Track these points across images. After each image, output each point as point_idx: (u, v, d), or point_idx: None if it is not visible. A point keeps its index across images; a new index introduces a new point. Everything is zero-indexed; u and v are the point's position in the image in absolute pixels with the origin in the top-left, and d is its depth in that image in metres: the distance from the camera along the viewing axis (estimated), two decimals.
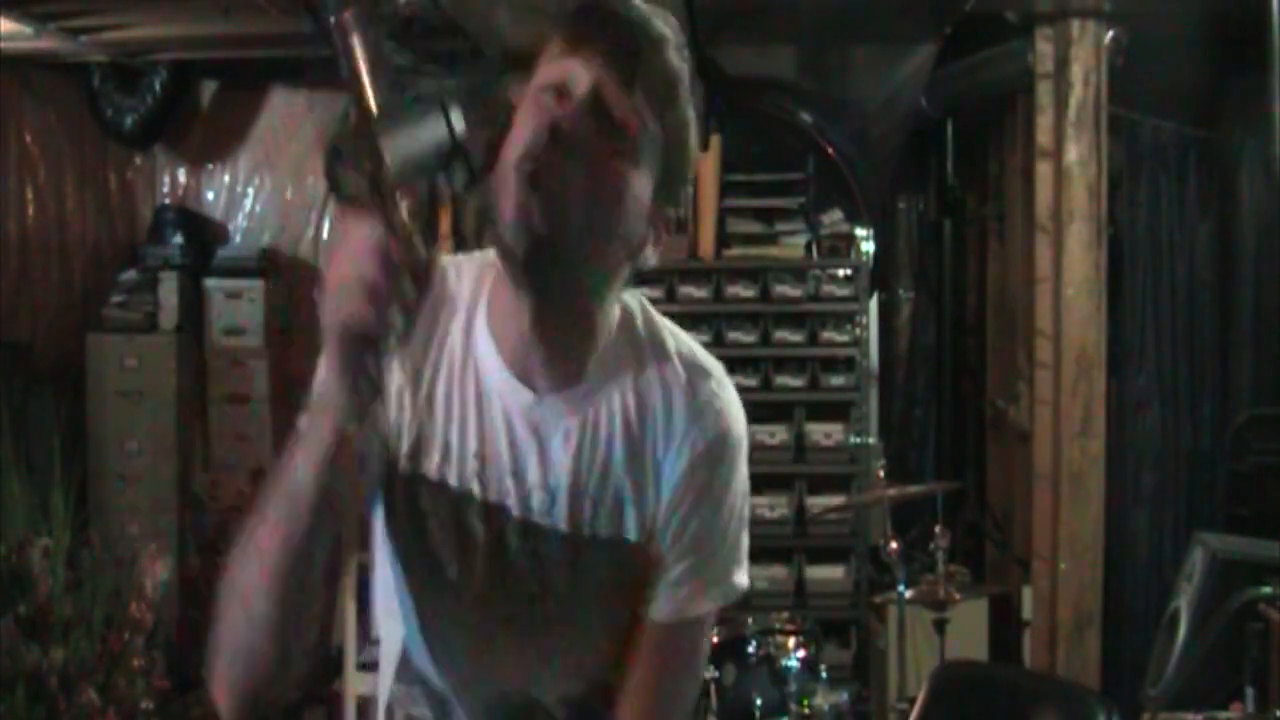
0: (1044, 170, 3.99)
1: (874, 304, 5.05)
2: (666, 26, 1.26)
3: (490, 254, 1.27)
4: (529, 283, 1.20)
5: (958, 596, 3.80)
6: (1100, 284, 3.95)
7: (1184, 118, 4.33)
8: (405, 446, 1.29)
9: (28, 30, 4.66)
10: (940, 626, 3.80)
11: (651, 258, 1.27)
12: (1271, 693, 2.34)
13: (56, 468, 3.44)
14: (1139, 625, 4.05)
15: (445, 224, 4.69)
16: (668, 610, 1.31)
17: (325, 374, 1.09)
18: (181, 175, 6.04)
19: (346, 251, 1.06)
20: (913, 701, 3.13)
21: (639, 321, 1.33)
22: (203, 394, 5.63)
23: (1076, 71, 3.90)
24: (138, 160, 6.03)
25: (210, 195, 6.03)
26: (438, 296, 1.28)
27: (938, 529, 3.79)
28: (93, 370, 5.46)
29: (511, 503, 1.28)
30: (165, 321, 5.52)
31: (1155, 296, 4.33)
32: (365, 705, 3.88)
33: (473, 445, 1.28)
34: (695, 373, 1.31)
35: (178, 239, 5.73)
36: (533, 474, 1.27)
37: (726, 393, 1.32)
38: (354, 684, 3.78)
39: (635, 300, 1.35)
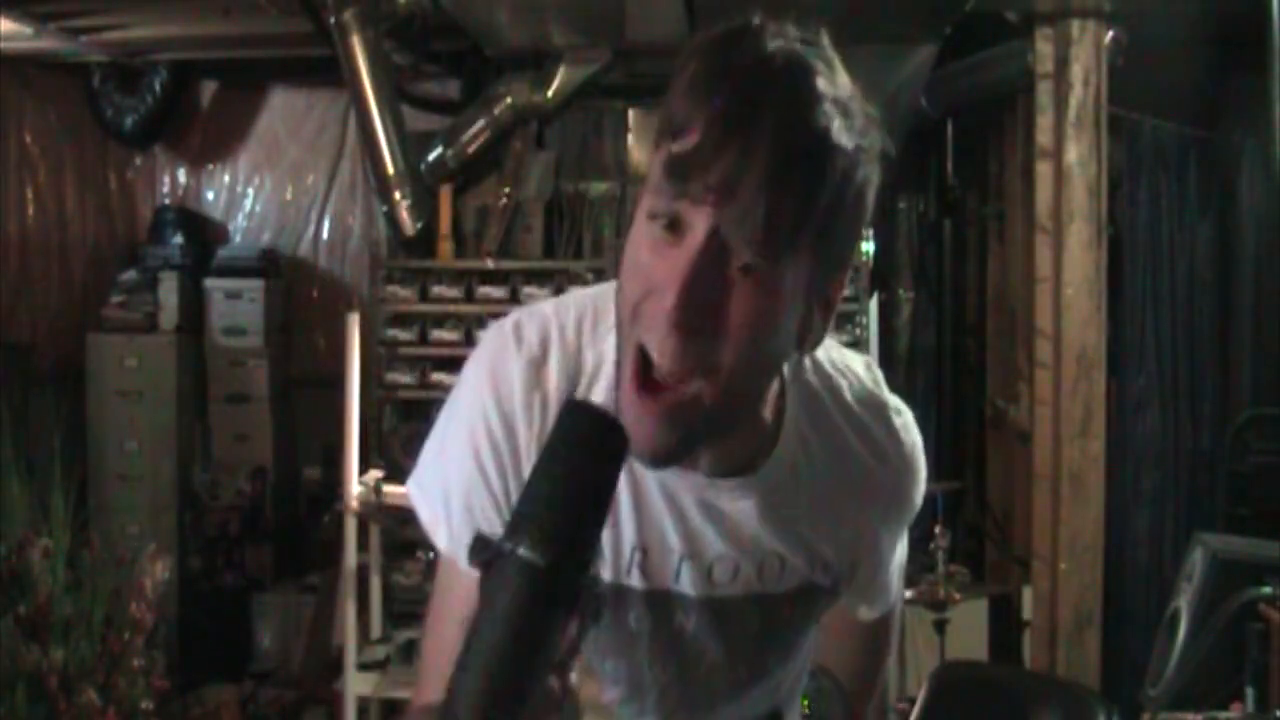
0: (1044, 170, 3.99)
1: (874, 304, 5.04)
2: (836, 108, 1.01)
3: (595, 308, 1.18)
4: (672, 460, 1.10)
5: (958, 596, 3.80)
6: (1100, 284, 3.95)
7: (1184, 118, 4.32)
8: None
9: (28, 30, 4.67)
10: (940, 626, 3.80)
11: (820, 333, 1.10)
12: (1271, 693, 2.34)
13: (56, 468, 3.44)
14: (1139, 625, 4.05)
15: (445, 224, 4.69)
16: (877, 608, 1.37)
17: None
18: (181, 175, 6.04)
19: None
20: (913, 701, 3.13)
21: (806, 382, 1.21)
22: (203, 394, 5.63)
23: (1076, 71, 3.90)
24: (138, 160, 6.03)
25: (210, 195, 6.03)
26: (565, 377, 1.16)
27: (938, 529, 3.79)
28: (93, 370, 5.46)
29: (684, 585, 1.19)
30: (165, 321, 5.52)
31: (1155, 296, 4.33)
32: (365, 705, 3.88)
33: (629, 537, 1.17)
34: (877, 416, 1.24)
35: (178, 239, 5.74)
36: (710, 550, 1.18)
37: (910, 430, 1.27)
38: (354, 684, 3.78)
39: (828, 372, 1.24)
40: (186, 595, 5.31)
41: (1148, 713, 2.41)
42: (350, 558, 3.83)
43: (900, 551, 1.36)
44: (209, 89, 5.96)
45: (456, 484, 1.15)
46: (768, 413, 1.16)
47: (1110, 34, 3.92)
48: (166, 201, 6.00)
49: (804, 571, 1.22)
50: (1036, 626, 4.05)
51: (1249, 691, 2.34)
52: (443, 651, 1.09)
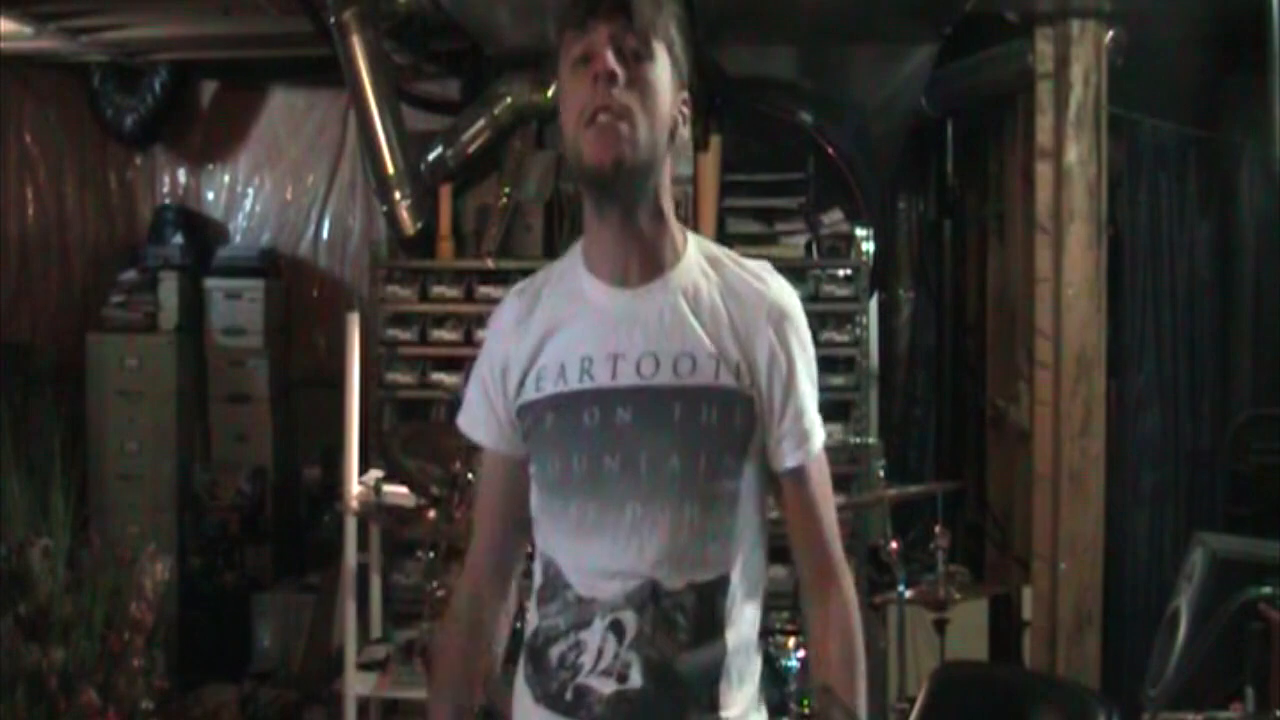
0: (1044, 170, 3.99)
1: (874, 304, 5.04)
2: None
3: (551, 266, 1.70)
4: (615, 195, 1.55)
5: (958, 596, 3.80)
6: (1100, 284, 3.95)
7: (1184, 118, 4.32)
8: (525, 387, 1.63)
9: (28, 30, 4.67)
10: (940, 626, 3.80)
11: (684, 134, 1.60)
12: (1271, 693, 2.34)
13: (56, 468, 3.44)
14: (1139, 625, 4.05)
15: (445, 224, 4.69)
16: (797, 456, 1.66)
17: None
18: (181, 175, 6.04)
19: None
20: (913, 701, 3.13)
21: (705, 243, 1.69)
22: (203, 394, 5.63)
23: (1076, 71, 3.91)
24: (138, 160, 6.03)
25: (210, 195, 6.03)
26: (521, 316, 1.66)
27: (938, 529, 3.79)
28: (93, 370, 5.46)
29: (620, 377, 1.57)
30: (165, 321, 5.52)
31: (1155, 296, 4.32)
32: (365, 705, 3.88)
33: (580, 351, 1.59)
34: (755, 269, 1.67)
35: (178, 239, 5.74)
36: (636, 349, 1.57)
37: (779, 279, 1.68)
38: (354, 684, 3.78)
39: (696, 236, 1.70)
40: (186, 595, 5.31)
41: (1148, 713, 2.41)
42: (350, 558, 3.83)
43: (808, 393, 1.69)
44: (209, 89, 5.96)
45: (477, 395, 1.69)
46: (677, 239, 1.63)
47: (1110, 34, 3.92)
48: (166, 201, 6.00)
49: (711, 370, 1.58)
50: (1036, 626, 4.05)
51: (1249, 691, 2.34)
52: (483, 512, 1.75)
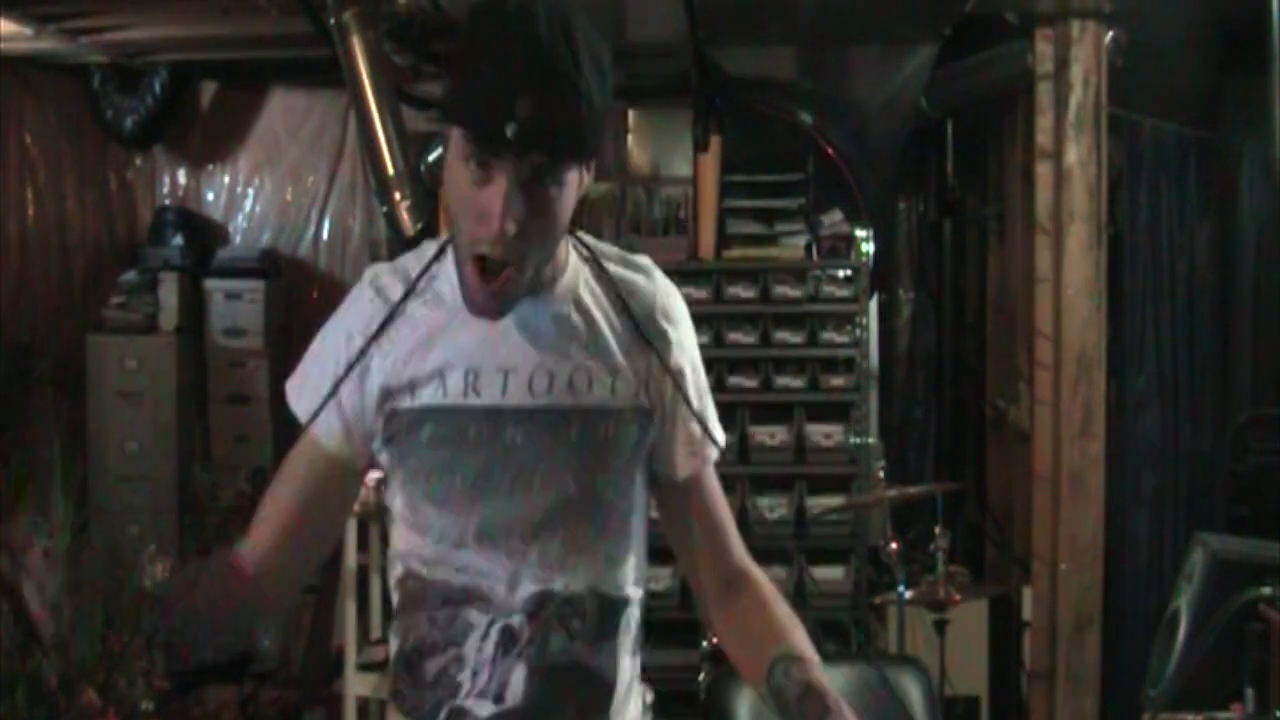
0: (1044, 171, 3.99)
1: (874, 305, 5.04)
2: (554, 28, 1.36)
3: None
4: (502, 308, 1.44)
5: (958, 597, 3.79)
6: (1100, 284, 3.95)
7: (1184, 118, 4.32)
8: (406, 388, 1.48)
9: (28, 31, 4.67)
10: (940, 627, 3.80)
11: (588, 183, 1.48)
12: (1271, 693, 2.34)
13: (56, 468, 3.44)
14: (1139, 625, 4.05)
15: (445, 225, 4.69)
16: (691, 464, 1.58)
17: None
18: (181, 176, 6.04)
19: None
20: None
21: (583, 242, 1.59)
22: (203, 394, 5.63)
23: (1076, 72, 3.91)
24: (138, 161, 6.03)
25: (210, 196, 6.03)
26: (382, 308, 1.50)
27: (938, 529, 3.79)
28: (93, 371, 5.46)
29: (511, 394, 1.47)
30: (165, 322, 5.52)
31: (1155, 296, 4.32)
32: (365, 705, 3.88)
33: (463, 362, 1.47)
34: (637, 267, 1.59)
35: (178, 240, 5.74)
36: (526, 364, 1.47)
37: (662, 276, 1.61)
38: (354, 684, 3.78)
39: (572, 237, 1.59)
40: None
41: (1148, 713, 2.41)
42: (350, 558, 3.83)
43: (703, 394, 1.60)
44: (209, 90, 5.96)
45: (319, 378, 1.51)
46: (560, 252, 1.52)
47: (1110, 34, 3.92)
48: (166, 202, 6.00)
49: (606, 387, 1.49)
50: (1036, 626, 4.04)
51: (1249, 692, 2.34)
52: (279, 509, 1.53)
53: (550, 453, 1.46)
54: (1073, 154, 3.92)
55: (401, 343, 1.48)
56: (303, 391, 1.52)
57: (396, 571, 1.55)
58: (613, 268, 1.56)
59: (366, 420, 1.49)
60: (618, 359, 1.51)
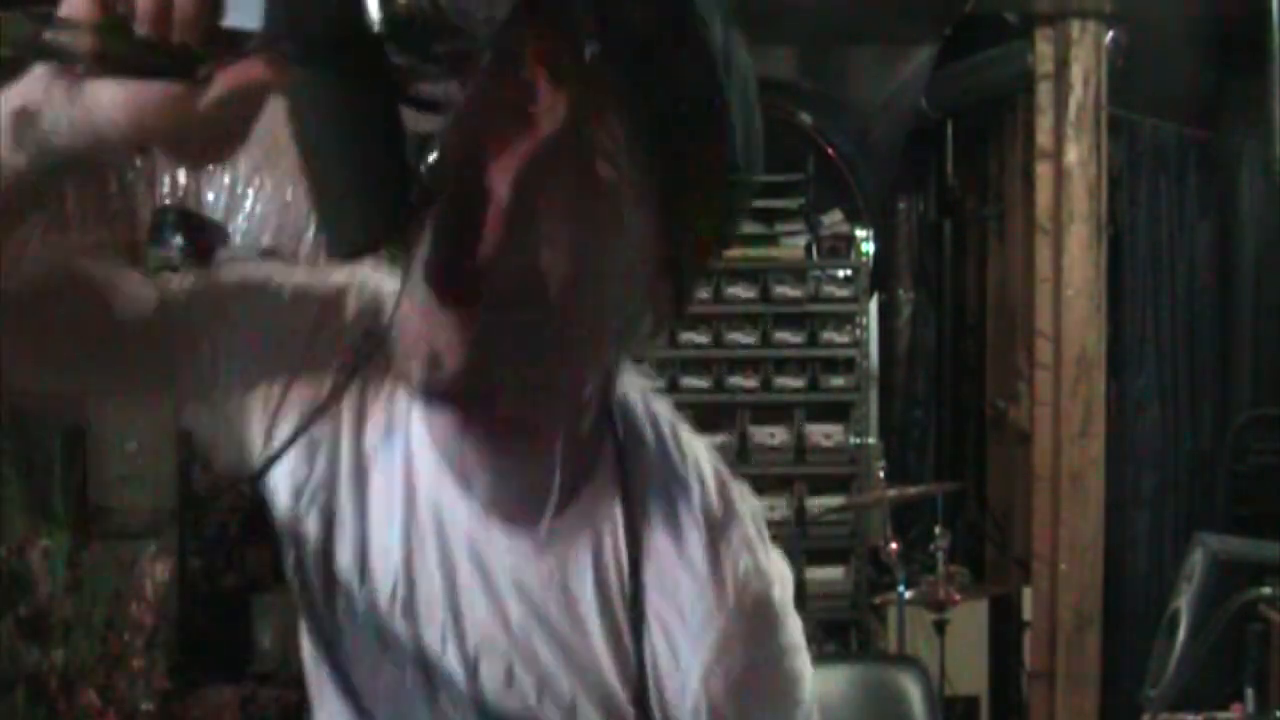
0: (1044, 171, 3.98)
1: (874, 305, 5.04)
2: None
3: None
4: (449, 414, 0.85)
5: (958, 597, 3.80)
6: (1100, 284, 3.95)
7: (1184, 118, 4.32)
8: (315, 518, 0.92)
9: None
10: (940, 627, 3.80)
11: (652, 336, 0.86)
12: (1271, 693, 2.34)
13: (56, 468, 3.44)
14: (1139, 625, 4.05)
15: None
16: None
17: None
18: (181, 176, 6.04)
19: None
20: None
21: (644, 428, 0.93)
22: None
23: (1076, 72, 3.90)
24: (137, 161, 6.03)
25: (210, 197, 6.02)
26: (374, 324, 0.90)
27: (938, 529, 3.79)
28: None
29: (449, 653, 0.90)
30: None
31: (1155, 296, 4.32)
32: None
33: (398, 554, 0.91)
34: (720, 514, 0.91)
35: (178, 240, 5.73)
36: (475, 624, 0.90)
37: (762, 543, 0.93)
38: None
39: (637, 393, 0.94)
40: (186, 596, 5.30)
41: (1148, 713, 2.41)
42: None
43: None
44: None
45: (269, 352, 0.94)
46: (570, 473, 0.88)
47: (1110, 34, 3.92)
48: (166, 202, 6.00)
49: (592, 712, 0.89)
50: (1036, 627, 4.04)
51: (1249, 692, 2.34)
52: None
53: None
54: (1073, 154, 3.92)
55: (337, 440, 0.93)
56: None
57: None
58: (687, 499, 0.91)
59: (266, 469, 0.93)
60: (621, 673, 0.89)
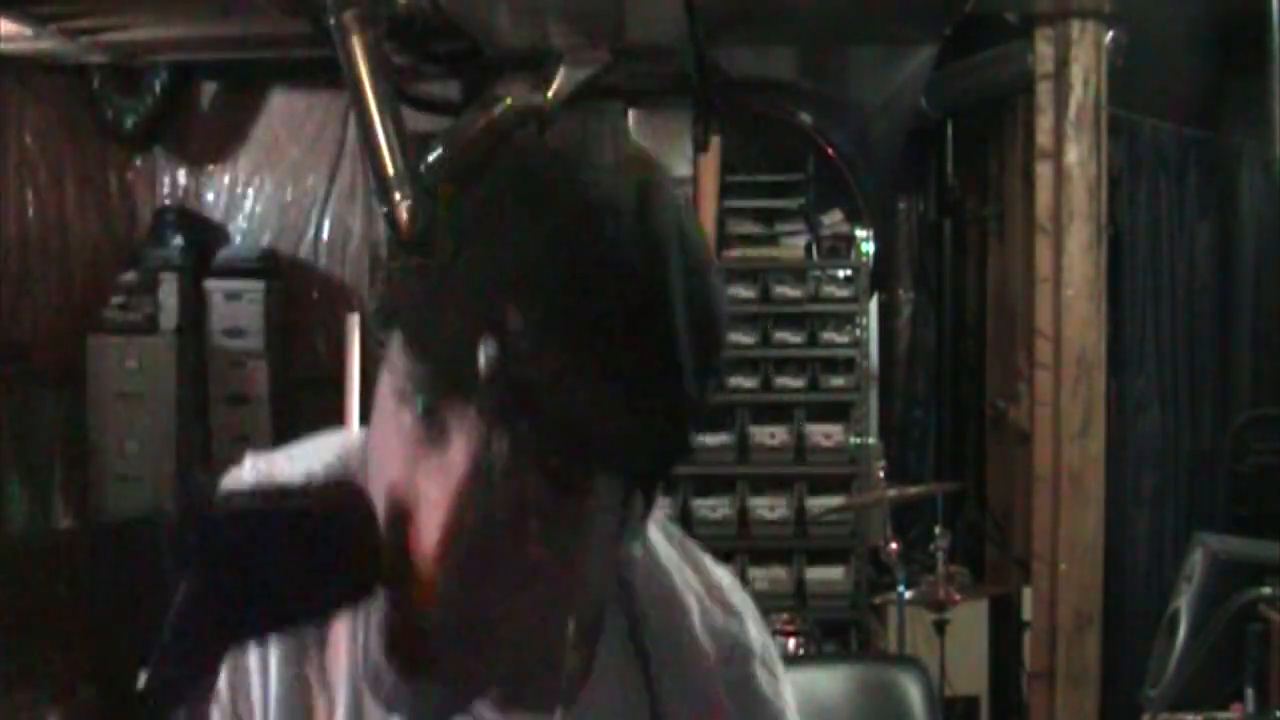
0: (1044, 171, 3.98)
1: (874, 305, 5.04)
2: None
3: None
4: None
5: (958, 597, 3.80)
6: (1100, 284, 3.95)
7: (1184, 118, 4.33)
8: None
9: (28, 31, 4.67)
10: (940, 627, 3.80)
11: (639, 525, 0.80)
12: (1271, 693, 2.34)
13: (57, 469, 3.44)
14: (1139, 626, 4.05)
15: None
16: None
17: None
18: (181, 176, 6.04)
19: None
20: None
21: (642, 567, 0.88)
22: (203, 395, 5.63)
23: (1076, 72, 3.90)
24: (138, 161, 6.03)
25: (210, 196, 6.02)
26: None
27: (938, 530, 3.79)
28: (93, 372, 5.46)
29: None
30: (165, 323, 5.52)
31: (1155, 296, 4.33)
32: None
33: None
34: (729, 650, 0.90)
35: (178, 240, 5.73)
36: None
37: (775, 670, 0.91)
38: None
39: (653, 528, 0.90)
40: None
41: (1148, 713, 2.42)
42: None
43: None
44: (209, 90, 5.95)
45: None
46: (577, 653, 0.83)
47: (1110, 34, 3.92)
48: (166, 203, 5.99)
49: None
50: (1036, 627, 4.04)
51: (1249, 692, 2.34)
52: None
53: None
54: (1073, 154, 3.92)
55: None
56: None
57: None
58: (698, 647, 0.88)
59: None
60: None
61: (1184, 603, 2.58)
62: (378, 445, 0.73)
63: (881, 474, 4.19)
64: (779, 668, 0.91)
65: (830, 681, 2.74)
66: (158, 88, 5.62)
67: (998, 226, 5.15)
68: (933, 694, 2.83)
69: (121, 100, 5.65)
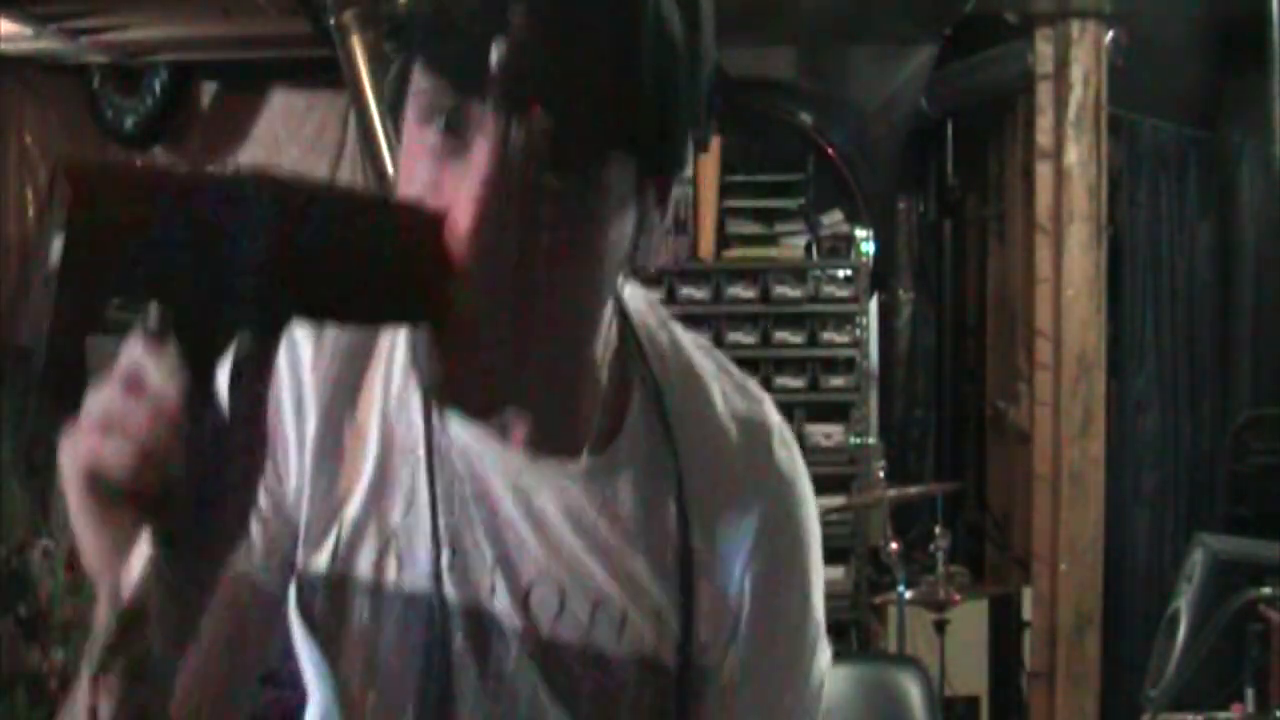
0: (1044, 171, 3.99)
1: (874, 305, 5.04)
2: None
3: None
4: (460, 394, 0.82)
5: (958, 597, 3.80)
6: (1100, 284, 3.95)
7: (1184, 118, 4.33)
8: (325, 540, 0.92)
9: (28, 31, 4.67)
10: (940, 627, 3.80)
11: (655, 257, 0.88)
12: (1271, 693, 2.34)
13: (56, 469, 3.44)
14: (1139, 626, 4.05)
15: None
16: None
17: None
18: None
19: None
20: None
21: (663, 343, 0.96)
22: None
23: (1076, 72, 3.90)
24: (138, 162, 6.03)
25: None
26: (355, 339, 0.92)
27: (938, 529, 3.79)
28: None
29: (500, 607, 0.91)
30: None
31: (1155, 296, 4.33)
32: None
33: (428, 528, 0.90)
34: (758, 438, 0.97)
35: None
36: (525, 559, 0.91)
37: (792, 465, 1.00)
38: None
39: (655, 316, 0.98)
40: None
41: (1148, 713, 2.41)
42: None
43: (804, 648, 0.99)
44: (209, 90, 5.96)
45: None
46: (607, 383, 0.92)
47: (1110, 34, 3.92)
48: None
49: (651, 635, 0.91)
50: (1036, 627, 4.05)
51: (1249, 691, 2.34)
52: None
53: (545, 714, 0.91)
54: (1073, 154, 3.92)
55: (340, 442, 0.92)
56: None
57: None
58: (715, 415, 0.96)
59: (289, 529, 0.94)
60: (669, 591, 0.92)
61: (1184, 603, 2.58)
62: (407, 175, 0.80)
63: (881, 474, 4.19)
64: (796, 447, 1.00)
65: (830, 681, 2.74)
66: (158, 88, 5.62)
67: (998, 226, 5.15)
68: (933, 694, 2.83)
69: (121, 100, 5.65)
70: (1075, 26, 3.90)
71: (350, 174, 5.90)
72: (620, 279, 0.89)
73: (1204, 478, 4.30)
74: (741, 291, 4.71)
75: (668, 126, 0.82)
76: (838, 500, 4.50)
